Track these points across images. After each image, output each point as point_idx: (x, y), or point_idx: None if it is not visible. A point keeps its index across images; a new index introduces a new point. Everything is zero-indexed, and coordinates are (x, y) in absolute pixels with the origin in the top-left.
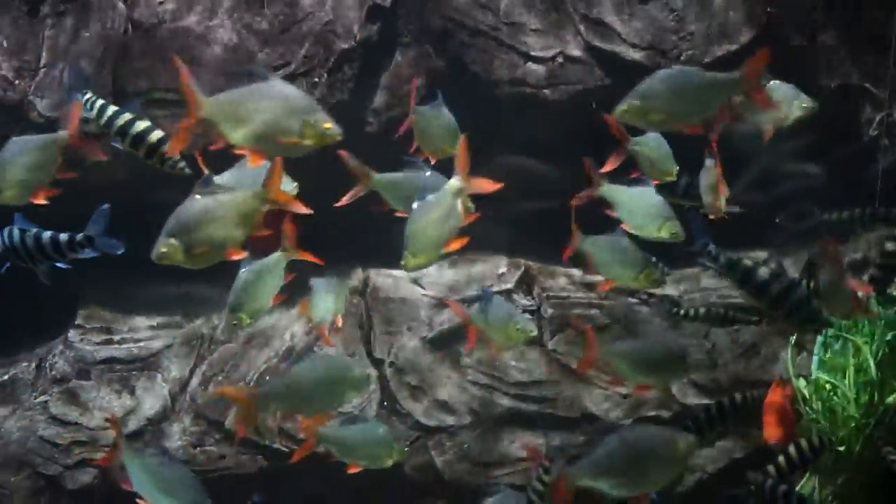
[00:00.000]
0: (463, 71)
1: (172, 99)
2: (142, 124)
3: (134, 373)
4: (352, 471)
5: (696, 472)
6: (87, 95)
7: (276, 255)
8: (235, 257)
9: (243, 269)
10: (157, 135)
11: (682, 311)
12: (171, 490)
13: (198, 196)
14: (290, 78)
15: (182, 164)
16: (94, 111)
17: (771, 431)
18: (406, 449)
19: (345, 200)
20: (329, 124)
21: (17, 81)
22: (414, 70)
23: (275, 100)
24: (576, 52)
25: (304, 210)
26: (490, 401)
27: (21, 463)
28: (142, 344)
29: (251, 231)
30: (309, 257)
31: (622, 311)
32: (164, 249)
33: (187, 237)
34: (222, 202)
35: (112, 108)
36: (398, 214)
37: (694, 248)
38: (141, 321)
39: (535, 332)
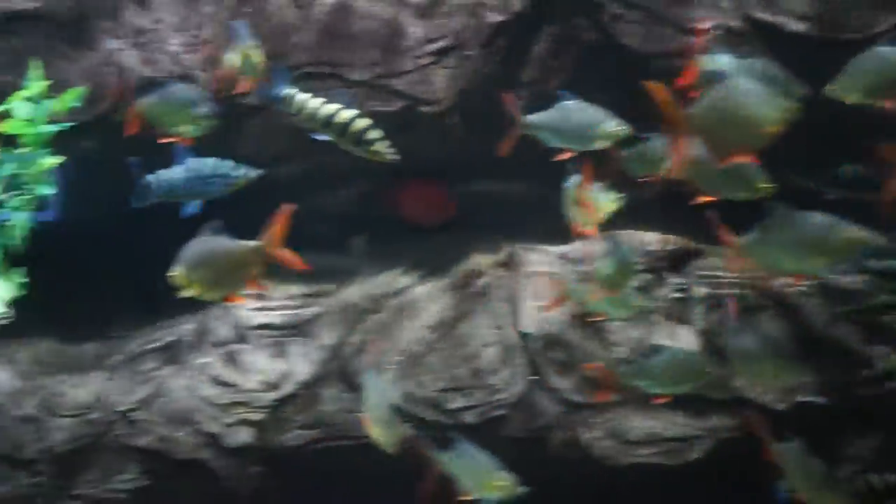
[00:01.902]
0: (614, 44)
1: (327, 73)
2: (346, 114)
3: (288, 338)
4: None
5: None
6: (290, 90)
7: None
8: (233, 302)
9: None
10: (363, 122)
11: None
12: None
13: (204, 237)
14: (444, 52)
15: (390, 150)
16: (296, 105)
17: None
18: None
19: (505, 148)
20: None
21: (183, 56)
22: (564, 43)
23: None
24: (734, 22)
25: (300, 265)
26: None
27: (186, 420)
28: (297, 311)
29: (250, 280)
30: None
31: (776, 294)
32: (174, 274)
33: (191, 272)
34: (223, 249)
35: (315, 100)
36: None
37: None
38: (295, 289)
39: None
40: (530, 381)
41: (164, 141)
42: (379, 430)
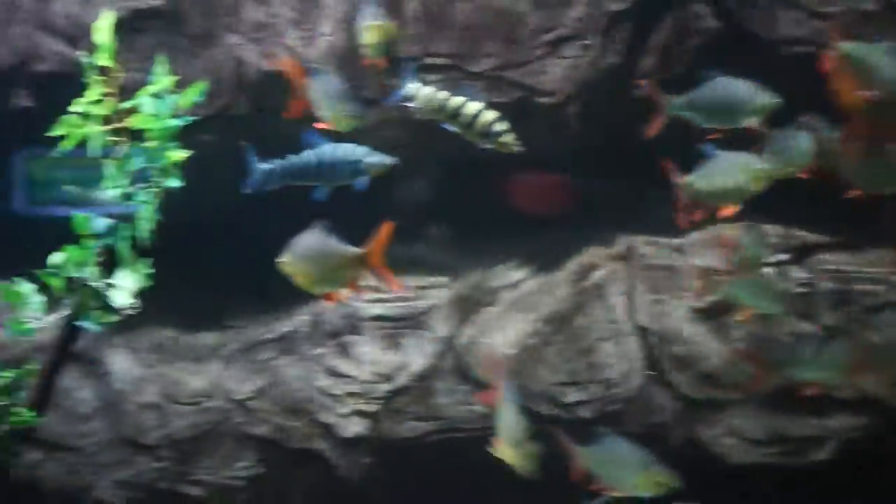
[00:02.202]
0: (739, 31)
1: (442, 64)
2: (473, 106)
3: (402, 330)
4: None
5: None
6: (415, 84)
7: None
8: (330, 302)
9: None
10: (490, 115)
11: None
12: None
13: (312, 233)
14: (561, 41)
15: (517, 142)
16: (423, 98)
17: None
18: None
19: (652, 130)
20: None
21: (300, 50)
22: (685, 31)
23: None
24: (870, 6)
25: (395, 285)
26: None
27: (301, 410)
28: (410, 303)
29: (350, 283)
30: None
31: None
32: (281, 261)
33: (296, 264)
34: (328, 249)
35: (441, 93)
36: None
37: None
38: (409, 281)
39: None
40: (647, 376)
41: (320, 126)
42: (511, 452)
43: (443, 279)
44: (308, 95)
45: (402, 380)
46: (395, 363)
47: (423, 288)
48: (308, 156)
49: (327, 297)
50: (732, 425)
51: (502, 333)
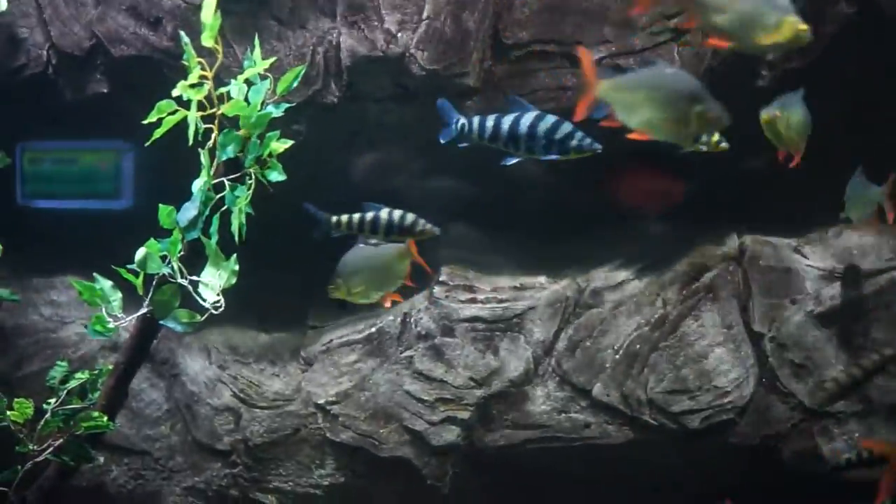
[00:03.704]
0: (877, 15)
1: (553, 51)
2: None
3: (497, 333)
4: None
5: None
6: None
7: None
8: (387, 304)
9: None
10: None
11: None
12: None
13: (360, 245)
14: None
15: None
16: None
17: None
18: None
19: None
20: (718, 113)
21: (399, 34)
22: (816, 16)
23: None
24: None
25: (428, 270)
26: (885, 387)
27: (388, 415)
28: (506, 304)
29: (401, 280)
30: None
31: None
32: (331, 286)
33: (347, 280)
34: (374, 253)
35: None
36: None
37: None
38: (504, 281)
39: None
40: (763, 384)
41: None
42: None
43: (540, 279)
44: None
45: (497, 385)
46: (490, 367)
47: (519, 288)
48: (509, 120)
49: (385, 300)
50: (854, 438)
51: (606, 337)
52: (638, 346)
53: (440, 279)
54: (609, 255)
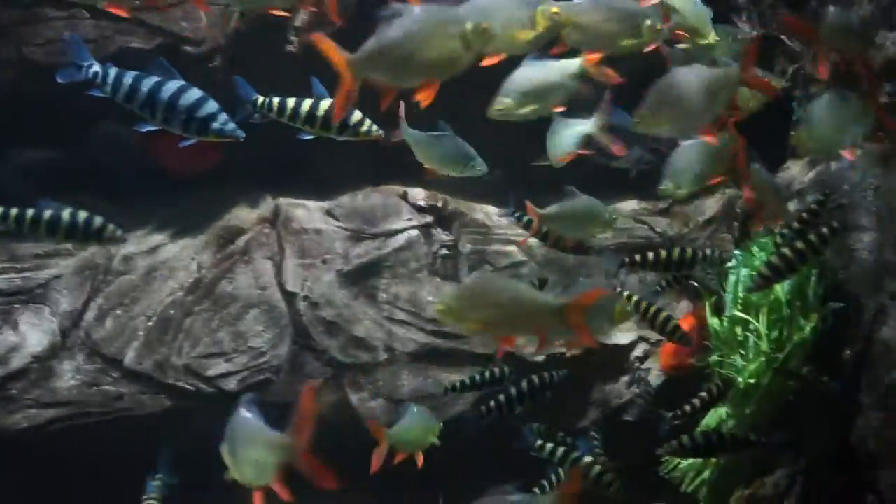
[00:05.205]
0: None
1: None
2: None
3: (17, 306)
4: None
5: None
6: (259, 98)
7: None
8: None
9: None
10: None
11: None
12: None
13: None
14: None
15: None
16: (276, 110)
17: (666, 360)
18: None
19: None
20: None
21: None
22: None
23: None
24: None
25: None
26: (406, 337)
27: None
28: (26, 274)
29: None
30: None
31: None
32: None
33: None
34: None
35: (292, 100)
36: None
37: None
38: (25, 248)
39: None
40: (296, 342)
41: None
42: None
43: (66, 246)
44: None
45: (17, 362)
46: (9, 344)
47: (43, 256)
48: (150, 83)
49: None
50: (378, 387)
51: (138, 305)
52: (172, 311)
53: None
54: (142, 219)
